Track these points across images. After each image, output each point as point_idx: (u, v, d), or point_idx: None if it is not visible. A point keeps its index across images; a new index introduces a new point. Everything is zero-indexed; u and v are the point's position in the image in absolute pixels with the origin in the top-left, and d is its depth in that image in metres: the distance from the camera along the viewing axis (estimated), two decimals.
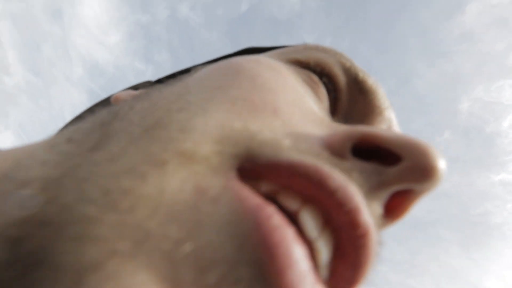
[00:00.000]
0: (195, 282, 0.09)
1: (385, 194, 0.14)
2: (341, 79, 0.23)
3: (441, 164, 0.14)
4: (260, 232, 0.10)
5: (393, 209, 0.15)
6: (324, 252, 0.12)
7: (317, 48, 0.25)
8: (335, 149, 0.14)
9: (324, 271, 0.13)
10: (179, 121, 0.13)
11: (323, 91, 0.22)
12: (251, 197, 0.11)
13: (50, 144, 0.15)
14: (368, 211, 0.13)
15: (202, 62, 0.32)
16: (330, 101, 0.23)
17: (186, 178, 0.11)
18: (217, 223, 0.10)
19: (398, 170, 0.14)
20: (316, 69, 0.23)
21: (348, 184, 0.13)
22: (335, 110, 0.23)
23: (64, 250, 0.09)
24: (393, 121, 0.24)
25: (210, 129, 0.13)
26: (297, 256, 0.10)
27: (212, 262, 0.09)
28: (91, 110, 0.30)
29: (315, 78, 0.22)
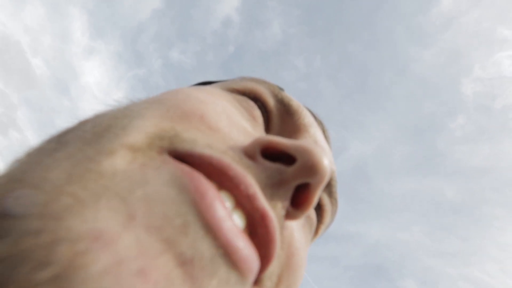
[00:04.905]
0: (145, 215, 0.12)
1: (288, 188, 0.18)
2: (271, 102, 0.29)
3: (325, 160, 0.18)
4: (194, 183, 0.14)
5: (302, 201, 0.19)
6: (238, 221, 0.16)
7: (251, 79, 0.31)
8: (247, 152, 0.19)
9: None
10: (122, 124, 0.17)
11: (257, 113, 0.27)
12: (185, 166, 0.15)
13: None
14: (264, 198, 0.17)
15: None
16: (264, 121, 0.28)
17: (132, 160, 0.15)
18: (163, 179, 0.14)
19: (293, 169, 0.18)
20: (250, 95, 0.28)
21: (246, 175, 0.17)
22: (268, 128, 0.28)
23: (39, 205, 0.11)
24: (318, 136, 0.29)
25: (145, 128, 0.17)
26: (218, 202, 0.14)
27: (159, 202, 0.13)
28: None
29: (251, 102, 0.27)
